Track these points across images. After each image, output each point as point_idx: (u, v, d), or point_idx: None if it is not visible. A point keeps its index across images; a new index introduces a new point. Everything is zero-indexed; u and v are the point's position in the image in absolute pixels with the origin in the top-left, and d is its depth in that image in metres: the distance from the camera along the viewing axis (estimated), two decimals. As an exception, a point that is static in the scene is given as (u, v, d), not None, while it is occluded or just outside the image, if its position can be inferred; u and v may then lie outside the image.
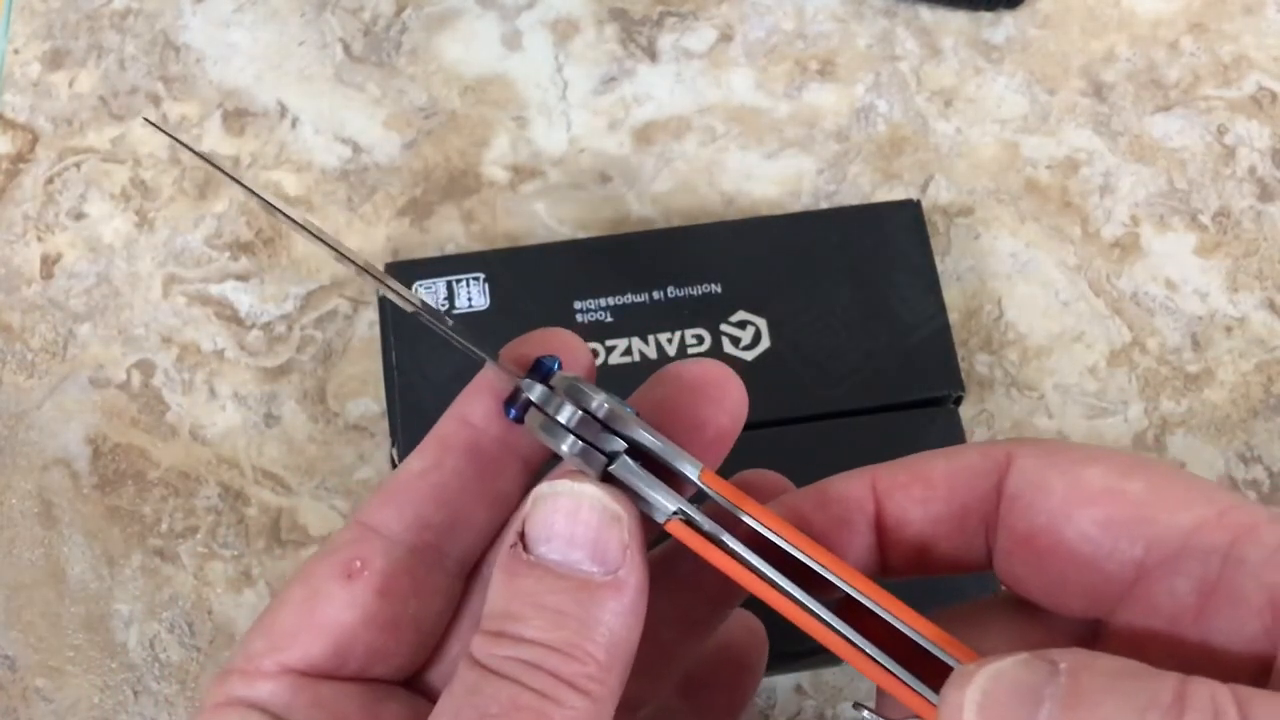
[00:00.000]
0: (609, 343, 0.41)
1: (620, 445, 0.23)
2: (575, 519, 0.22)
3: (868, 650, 0.22)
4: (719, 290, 0.41)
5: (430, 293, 0.41)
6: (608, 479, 0.23)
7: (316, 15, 0.50)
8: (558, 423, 0.23)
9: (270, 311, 0.45)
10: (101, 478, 0.43)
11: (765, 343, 0.41)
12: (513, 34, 0.50)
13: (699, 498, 0.23)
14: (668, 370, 0.25)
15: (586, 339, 0.40)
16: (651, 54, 0.49)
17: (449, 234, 0.46)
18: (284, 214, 0.23)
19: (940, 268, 0.44)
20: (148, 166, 0.47)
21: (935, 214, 0.46)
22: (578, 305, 0.41)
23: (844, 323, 0.41)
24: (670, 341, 0.41)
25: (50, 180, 0.47)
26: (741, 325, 0.41)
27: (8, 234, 0.46)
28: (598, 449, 0.23)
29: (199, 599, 0.41)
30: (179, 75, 0.49)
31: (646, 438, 0.23)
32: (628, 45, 0.49)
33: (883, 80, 0.49)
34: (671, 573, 0.25)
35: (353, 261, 0.24)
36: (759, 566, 0.22)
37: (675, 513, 0.23)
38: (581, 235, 0.46)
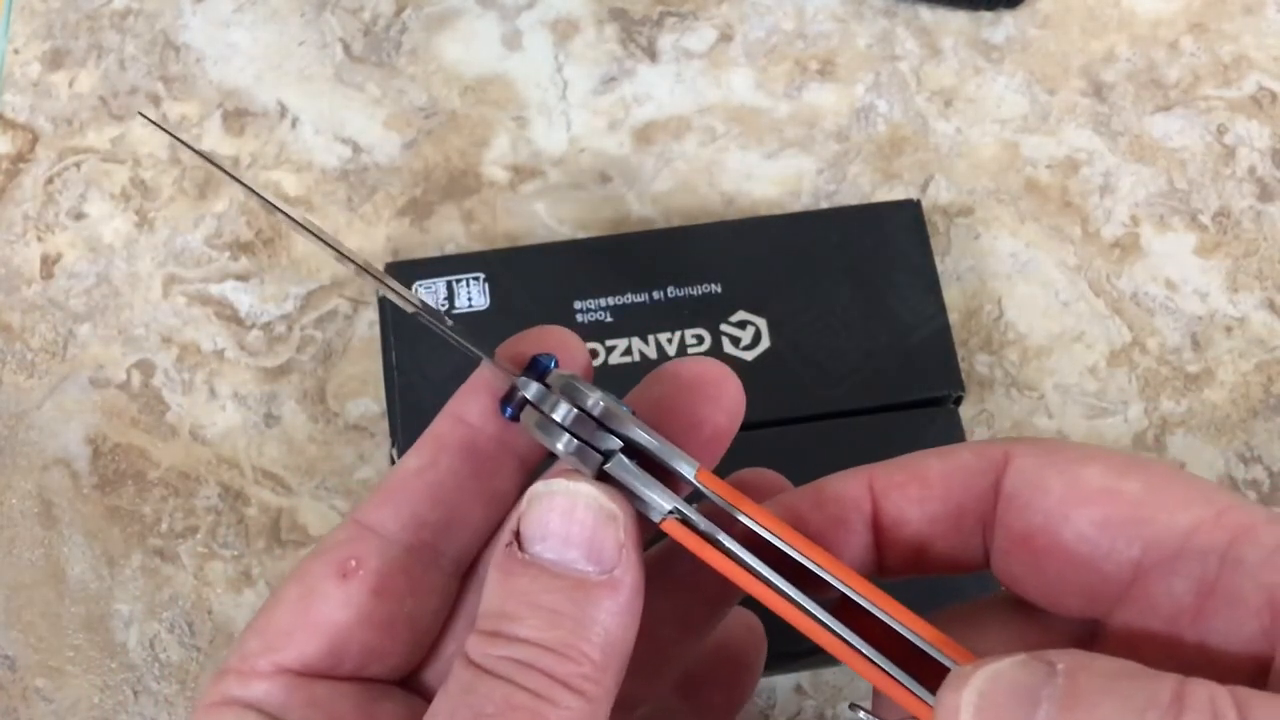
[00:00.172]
0: (609, 343, 0.41)
1: (616, 444, 0.23)
2: (570, 518, 0.22)
3: (864, 651, 0.22)
4: (719, 290, 0.41)
5: (430, 293, 0.41)
6: (603, 478, 0.23)
7: (316, 15, 0.50)
8: (553, 421, 0.23)
9: (270, 311, 0.45)
10: (101, 478, 0.43)
11: (765, 343, 0.41)
12: (513, 34, 0.50)
13: (696, 497, 0.23)
14: (665, 369, 0.25)
15: (586, 339, 0.40)
16: (651, 54, 0.49)
17: (449, 234, 0.46)
18: (284, 213, 0.23)
19: (940, 268, 0.44)
20: (148, 166, 0.47)
21: (935, 214, 0.46)
22: (578, 305, 0.41)
23: (844, 323, 0.41)
24: (670, 341, 0.41)
25: (50, 180, 0.47)
26: (741, 325, 0.41)
27: (8, 234, 0.46)
28: (593, 447, 0.23)
29: (199, 599, 0.41)
30: (179, 75, 0.49)
31: (642, 436, 0.23)
32: (628, 45, 0.49)
33: (883, 80, 0.49)
34: (669, 572, 0.25)
35: (351, 260, 0.24)
36: (755, 566, 0.22)
37: (671, 512, 0.23)
38: (581, 235, 0.46)
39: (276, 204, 0.23)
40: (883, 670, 0.21)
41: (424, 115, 0.48)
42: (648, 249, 0.42)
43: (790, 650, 0.36)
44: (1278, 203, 0.46)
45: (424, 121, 0.48)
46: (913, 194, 0.47)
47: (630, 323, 0.41)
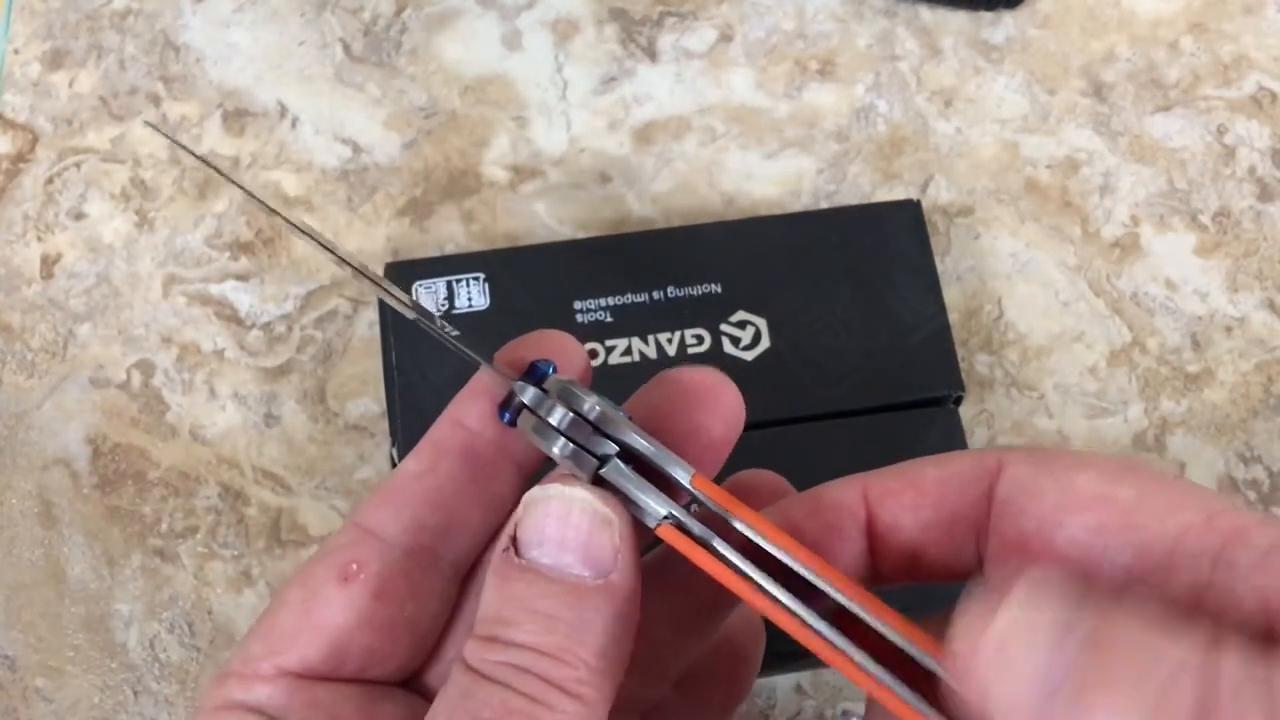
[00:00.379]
0: (609, 343, 0.41)
1: (612, 449, 0.23)
2: (566, 523, 0.22)
3: (856, 658, 0.22)
4: (719, 290, 0.41)
5: (430, 293, 0.41)
6: (599, 482, 0.23)
7: (316, 15, 0.50)
8: (549, 425, 0.23)
9: (270, 311, 0.45)
10: (101, 478, 0.43)
11: (765, 343, 0.41)
12: (513, 34, 0.50)
13: (693, 503, 0.23)
14: (665, 375, 0.25)
15: (586, 339, 0.41)
16: (651, 54, 0.49)
17: (449, 234, 0.46)
18: (284, 218, 0.23)
19: (940, 268, 0.44)
20: (148, 166, 0.47)
21: (935, 214, 0.46)
22: (578, 305, 0.41)
23: (844, 323, 0.41)
24: (670, 341, 0.41)
25: (50, 180, 0.47)
26: (741, 325, 0.41)
27: (8, 234, 0.46)
28: (589, 452, 0.23)
29: (199, 599, 0.41)
30: (179, 75, 0.49)
31: (638, 441, 0.23)
32: (628, 45, 0.49)
33: (883, 80, 0.49)
34: (667, 576, 0.25)
35: (348, 263, 0.24)
36: (749, 572, 0.22)
37: (666, 517, 0.23)
38: (581, 235, 0.46)
39: (276, 209, 0.23)
40: (875, 678, 0.22)
41: (424, 115, 0.48)
42: (648, 249, 0.42)
43: (790, 650, 0.36)
44: (1278, 203, 0.46)
45: (424, 121, 0.48)
46: (913, 194, 0.47)
47: (630, 323, 0.41)
